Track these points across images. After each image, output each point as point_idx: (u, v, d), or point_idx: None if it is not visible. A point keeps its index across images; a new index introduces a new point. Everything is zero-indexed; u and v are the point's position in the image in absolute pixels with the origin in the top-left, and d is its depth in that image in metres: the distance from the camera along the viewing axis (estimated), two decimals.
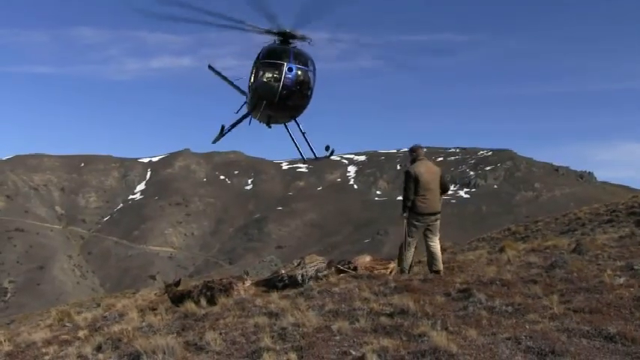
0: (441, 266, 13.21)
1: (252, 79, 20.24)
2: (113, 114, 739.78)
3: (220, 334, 9.64)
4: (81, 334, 12.69)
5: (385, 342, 7.68)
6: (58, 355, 10.86)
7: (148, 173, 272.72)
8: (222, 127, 22.07)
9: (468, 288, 10.56)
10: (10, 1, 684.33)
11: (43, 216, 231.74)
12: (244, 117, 21.72)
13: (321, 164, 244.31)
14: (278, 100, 18.51)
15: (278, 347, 8.33)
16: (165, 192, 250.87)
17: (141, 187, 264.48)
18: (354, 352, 7.60)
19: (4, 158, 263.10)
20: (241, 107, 22.28)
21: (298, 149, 22.00)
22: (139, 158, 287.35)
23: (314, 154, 21.45)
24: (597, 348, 7.10)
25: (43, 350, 11.68)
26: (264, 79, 19.01)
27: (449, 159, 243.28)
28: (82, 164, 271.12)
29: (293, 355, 7.62)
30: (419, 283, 11.59)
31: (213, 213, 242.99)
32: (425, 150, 13.90)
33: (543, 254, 13.73)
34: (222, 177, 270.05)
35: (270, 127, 20.76)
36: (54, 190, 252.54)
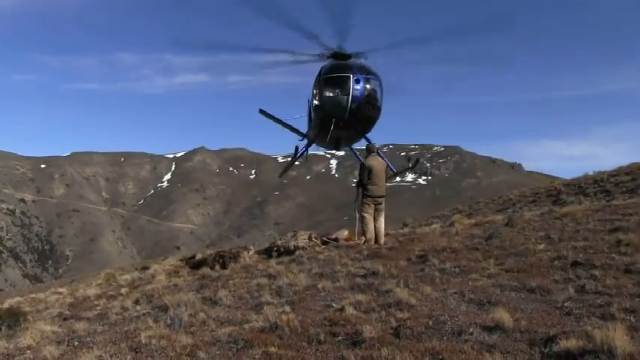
0: (382, 240, 13.51)
1: (315, 100, 15.95)
2: (146, 119, 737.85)
3: (230, 291, 9.66)
4: (123, 291, 12.72)
5: (360, 297, 7.70)
6: (106, 306, 10.88)
7: (173, 166, 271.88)
8: (297, 149, 17.37)
9: (424, 254, 10.60)
10: (66, 33, 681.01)
11: (93, 200, 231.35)
12: (309, 144, 17.31)
13: (308, 158, 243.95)
14: (348, 116, 14.53)
15: (275, 301, 8.34)
16: (186, 181, 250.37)
17: (167, 177, 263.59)
18: (335, 305, 7.61)
19: (64, 155, 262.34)
20: (302, 140, 17.86)
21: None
22: (166, 154, 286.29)
23: (392, 169, 16.33)
24: (522, 298, 7.15)
25: (95, 302, 11.70)
26: (331, 94, 14.94)
27: (410, 153, 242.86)
28: (122, 159, 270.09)
29: (287, 308, 7.63)
30: (386, 251, 11.61)
31: (224, 197, 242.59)
32: (377, 147, 14.50)
33: (483, 227, 13.78)
34: (231, 168, 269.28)
35: (339, 149, 16.56)
36: (101, 180, 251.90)
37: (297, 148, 17.30)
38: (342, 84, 14.66)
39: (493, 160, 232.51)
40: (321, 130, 15.56)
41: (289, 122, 18.12)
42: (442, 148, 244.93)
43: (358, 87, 14.43)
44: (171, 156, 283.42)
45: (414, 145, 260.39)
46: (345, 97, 14.48)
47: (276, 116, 18.17)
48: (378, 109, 15.11)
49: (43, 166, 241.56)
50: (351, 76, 14.52)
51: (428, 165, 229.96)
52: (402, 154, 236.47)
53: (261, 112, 18.24)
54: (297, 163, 19.58)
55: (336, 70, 15.01)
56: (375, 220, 13.62)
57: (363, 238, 13.47)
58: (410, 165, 17.56)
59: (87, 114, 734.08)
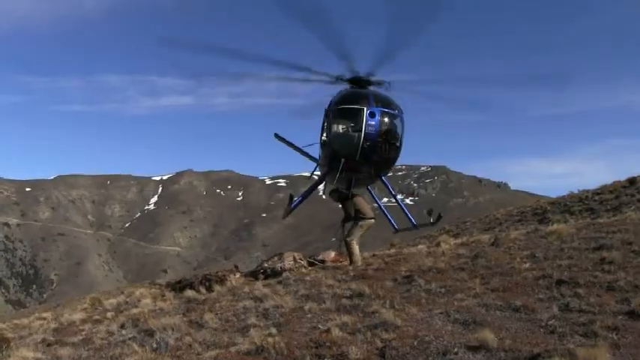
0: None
1: (324, 134, 13.68)
2: (132, 141, 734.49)
3: (216, 314, 9.63)
4: (109, 315, 12.62)
5: (346, 318, 7.72)
6: (92, 331, 10.79)
7: (160, 188, 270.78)
8: (291, 197, 14.71)
9: (410, 275, 10.62)
10: (51, 54, 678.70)
11: (78, 223, 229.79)
12: (317, 184, 15.20)
13: (296, 179, 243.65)
14: (360, 156, 12.33)
15: (262, 324, 8.33)
16: (173, 203, 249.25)
17: (154, 199, 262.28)
18: (321, 327, 7.62)
19: (49, 178, 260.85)
20: (313, 171, 15.80)
21: (390, 221, 15.14)
22: (153, 176, 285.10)
23: (412, 221, 14.42)
24: (507, 317, 7.20)
25: (81, 327, 11.60)
26: (340, 130, 12.80)
27: (397, 174, 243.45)
28: (109, 182, 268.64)
29: (273, 330, 7.63)
30: (372, 272, 11.61)
31: (211, 219, 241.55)
32: None
33: (469, 247, 13.78)
34: (218, 190, 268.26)
35: (349, 192, 13.55)
36: (87, 203, 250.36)
37: (291, 197, 14.82)
38: (353, 117, 12.51)
39: (479, 180, 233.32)
40: (330, 170, 13.51)
41: (305, 149, 16.28)
42: (428, 168, 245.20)
43: (373, 122, 12.28)
44: (157, 178, 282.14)
45: (401, 165, 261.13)
46: (357, 133, 12.33)
47: (291, 142, 16.57)
48: (397, 150, 13.00)
49: (27, 189, 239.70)
50: (365, 108, 12.33)
51: (415, 185, 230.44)
52: (389, 174, 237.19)
53: (277, 136, 16.68)
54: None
55: (349, 100, 12.90)
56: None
57: (349, 259, 13.36)
58: (431, 220, 14.90)
59: (72, 136, 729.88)
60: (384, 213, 14.99)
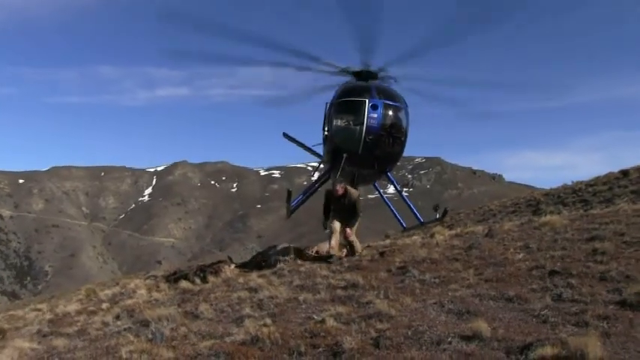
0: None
1: (326, 128, 13.34)
2: (126, 132, 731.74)
3: (211, 305, 9.65)
4: (104, 306, 12.66)
5: (340, 308, 7.75)
6: (87, 322, 10.83)
7: (154, 180, 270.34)
8: (289, 193, 14.47)
9: (405, 265, 10.64)
10: (46, 45, 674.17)
11: (72, 215, 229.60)
12: (320, 182, 14.90)
13: (290, 171, 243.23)
14: (363, 150, 12.01)
15: (256, 314, 8.36)
16: (167, 194, 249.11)
17: (148, 191, 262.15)
18: (316, 317, 7.66)
19: (43, 169, 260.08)
20: (315, 170, 15.88)
21: (399, 219, 15.14)
22: (147, 168, 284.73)
23: (418, 218, 14.25)
24: (500, 307, 7.24)
25: (76, 318, 11.63)
26: (342, 124, 12.32)
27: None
28: (102, 173, 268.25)
29: (268, 320, 7.66)
30: (367, 263, 11.64)
31: (206, 211, 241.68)
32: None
33: (464, 238, 13.80)
34: (212, 182, 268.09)
35: (355, 189, 12.87)
36: (81, 194, 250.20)
37: (289, 193, 14.53)
38: (355, 111, 12.06)
39: (474, 172, 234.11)
40: (333, 166, 13.22)
41: (314, 148, 15.87)
42: (423, 160, 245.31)
43: (375, 115, 11.91)
44: (152, 170, 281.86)
45: None
46: (359, 127, 11.97)
47: (300, 141, 16.25)
48: (401, 144, 12.67)
49: (21, 180, 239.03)
50: (367, 100, 11.94)
51: (409, 176, 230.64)
52: None
53: (285, 136, 16.35)
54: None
55: (350, 92, 12.50)
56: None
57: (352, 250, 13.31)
58: (437, 216, 14.91)
59: (67, 127, 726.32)
60: (394, 213, 14.80)
